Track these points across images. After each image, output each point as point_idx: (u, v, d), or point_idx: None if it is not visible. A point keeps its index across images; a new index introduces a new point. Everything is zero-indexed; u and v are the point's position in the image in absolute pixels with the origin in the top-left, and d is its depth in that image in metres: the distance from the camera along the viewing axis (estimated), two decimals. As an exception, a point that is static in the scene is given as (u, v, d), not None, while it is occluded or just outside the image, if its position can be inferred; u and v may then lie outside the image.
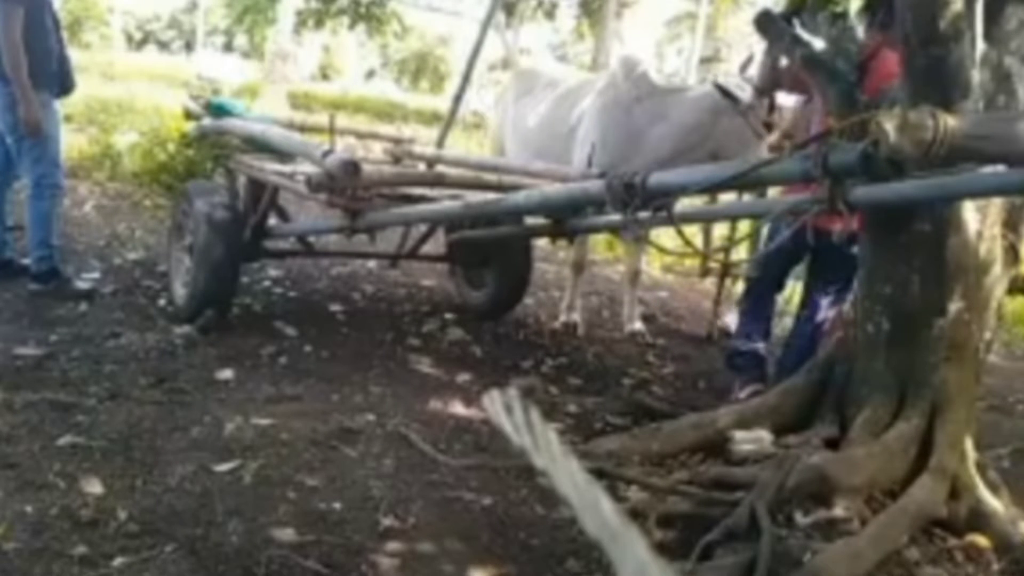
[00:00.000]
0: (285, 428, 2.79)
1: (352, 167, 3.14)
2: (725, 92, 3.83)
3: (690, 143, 3.98)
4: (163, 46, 23.33)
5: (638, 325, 4.66)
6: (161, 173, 6.37)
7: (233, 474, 2.46)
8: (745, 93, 3.83)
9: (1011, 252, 2.82)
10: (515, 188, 3.40)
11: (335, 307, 4.40)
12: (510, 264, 4.46)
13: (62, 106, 4.40)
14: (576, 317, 4.59)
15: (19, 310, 3.73)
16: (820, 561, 2.14)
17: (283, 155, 3.88)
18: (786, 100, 4.21)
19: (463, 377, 3.55)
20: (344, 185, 3.26)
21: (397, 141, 4.91)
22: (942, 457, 2.53)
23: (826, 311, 3.45)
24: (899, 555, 2.31)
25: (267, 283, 4.66)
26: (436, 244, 4.68)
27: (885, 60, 3.06)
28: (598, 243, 6.74)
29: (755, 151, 3.79)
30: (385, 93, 19.86)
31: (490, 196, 3.32)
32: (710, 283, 5.04)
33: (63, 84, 4.18)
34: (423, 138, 5.82)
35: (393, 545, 2.20)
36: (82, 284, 4.17)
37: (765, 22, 3.41)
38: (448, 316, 4.42)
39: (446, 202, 3.43)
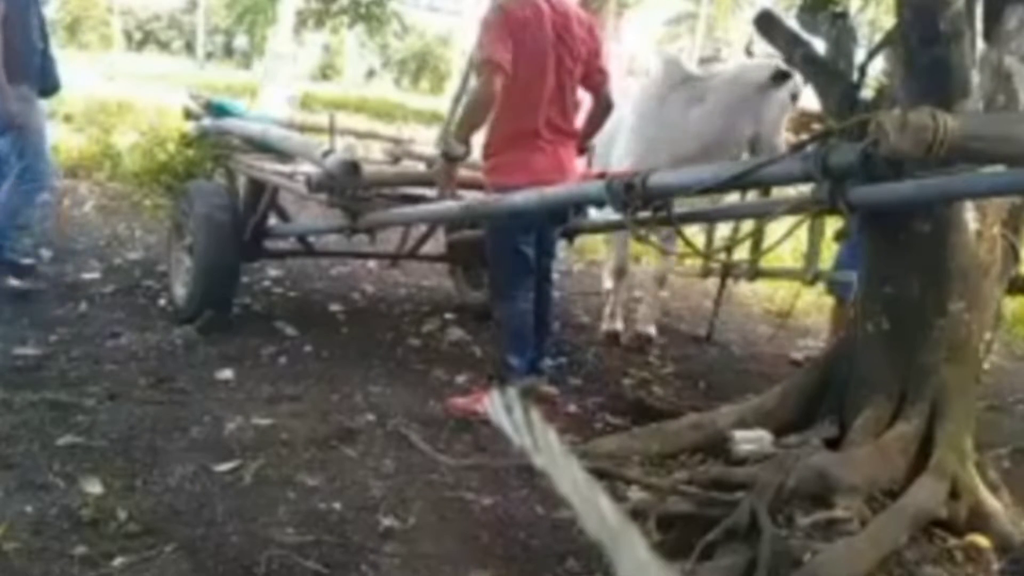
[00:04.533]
0: (285, 428, 2.79)
1: (352, 167, 3.14)
2: (781, 74, 3.67)
3: (737, 122, 3.78)
4: (163, 46, 23.29)
5: (651, 329, 4.39)
6: (161, 173, 6.37)
7: (233, 474, 2.47)
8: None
9: (1011, 252, 2.82)
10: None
11: (335, 307, 4.40)
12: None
13: (62, 105, 4.41)
14: (619, 325, 4.39)
15: (19, 310, 3.73)
16: (820, 561, 2.14)
17: (283, 155, 3.88)
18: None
19: (463, 377, 3.55)
20: (344, 185, 3.26)
21: (397, 141, 4.92)
22: (942, 457, 2.52)
23: None
24: (899, 555, 2.30)
25: (267, 283, 4.66)
26: (436, 244, 4.68)
27: None
28: (598, 243, 6.74)
29: (782, 132, 3.74)
30: (385, 93, 19.84)
31: (488, 196, 3.32)
32: (710, 283, 5.04)
33: (47, 82, 4.18)
34: (423, 138, 5.82)
35: (393, 545, 2.20)
36: (16, 283, 4.02)
37: (765, 22, 3.41)
38: (448, 316, 4.42)
39: (446, 202, 3.43)
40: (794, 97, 3.82)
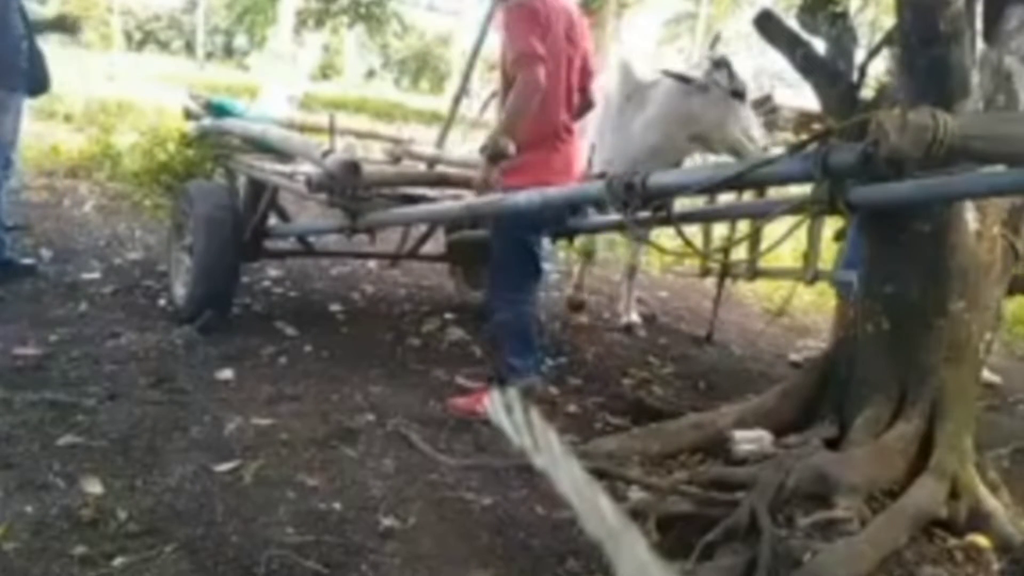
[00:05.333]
0: (285, 428, 2.79)
1: (352, 167, 3.14)
2: (676, 76, 3.90)
3: (671, 129, 4.01)
4: (163, 46, 23.32)
5: (634, 316, 4.81)
6: (161, 173, 6.37)
7: (233, 474, 2.47)
8: (698, 71, 3.90)
9: (1011, 252, 2.82)
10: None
11: (335, 307, 4.40)
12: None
13: (62, 105, 4.41)
14: (635, 317, 4.77)
15: (19, 310, 3.73)
16: (820, 561, 2.14)
17: (283, 155, 3.88)
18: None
19: (463, 377, 3.55)
20: (344, 185, 3.26)
21: (397, 141, 4.92)
22: (942, 457, 2.53)
23: None
24: (899, 555, 2.31)
25: (267, 283, 4.66)
26: (436, 244, 4.68)
27: None
28: (598, 243, 6.73)
29: (733, 127, 3.85)
30: (385, 93, 19.85)
31: (490, 196, 3.32)
32: (710, 283, 5.04)
33: (38, 82, 4.17)
34: (423, 138, 5.82)
35: (393, 545, 2.20)
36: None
37: (765, 22, 3.41)
38: (448, 316, 4.42)
39: (446, 202, 3.43)
40: (737, 94, 3.86)
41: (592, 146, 4.15)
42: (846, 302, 4.02)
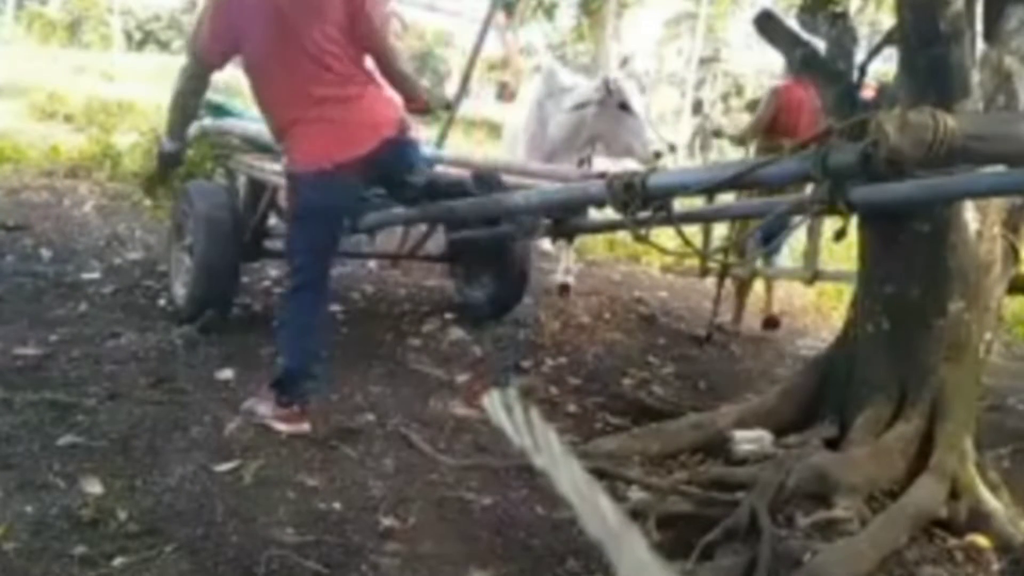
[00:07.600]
0: (285, 428, 2.79)
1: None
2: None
3: (572, 132, 4.83)
4: (163, 46, 23.33)
5: (570, 279, 5.20)
6: (161, 173, 6.36)
7: (233, 474, 2.47)
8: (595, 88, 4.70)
9: (1011, 252, 2.82)
10: (515, 188, 3.40)
11: (335, 307, 4.39)
12: (510, 264, 4.46)
13: (62, 105, 4.40)
14: (571, 279, 5.23)
15: (19, 310, 3.72)
16: (820, 561, 2.14)
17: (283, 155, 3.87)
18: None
19: (463, 377, 3.55)
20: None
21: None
22: (942, 457, 2.53)
23: None
24: (899, 555, 2.31)
25: (267, 283, 4.66)
26: (436, 244, 4.67)
27: None
28: (598, 243, 6.74)
29: (624, 134, 4.59)
30: (385, 93, 19.85)
31: (490, 197, 3.32)
32: (710, 283, 5.04)
33: None
34: (423, 138, 5.81)
35: (393, 545, 2.20)
36: None
37: (765, 22, 3.41)
38: (448, 316, 4.42)
39: (446, 202, 3.42)
40: (623, 106, 4.57)
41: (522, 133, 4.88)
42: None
